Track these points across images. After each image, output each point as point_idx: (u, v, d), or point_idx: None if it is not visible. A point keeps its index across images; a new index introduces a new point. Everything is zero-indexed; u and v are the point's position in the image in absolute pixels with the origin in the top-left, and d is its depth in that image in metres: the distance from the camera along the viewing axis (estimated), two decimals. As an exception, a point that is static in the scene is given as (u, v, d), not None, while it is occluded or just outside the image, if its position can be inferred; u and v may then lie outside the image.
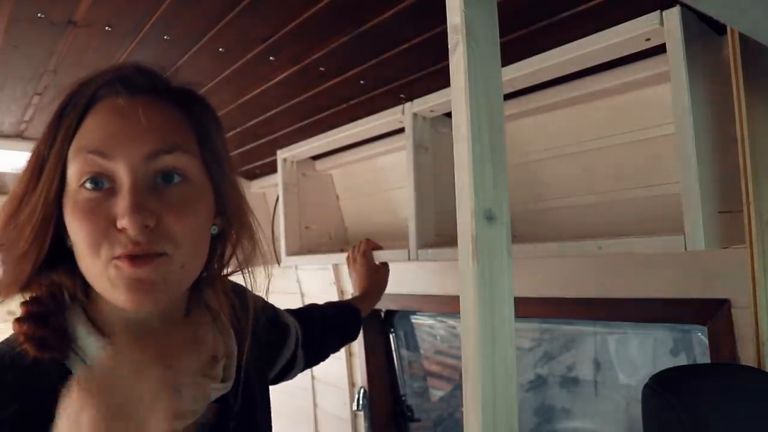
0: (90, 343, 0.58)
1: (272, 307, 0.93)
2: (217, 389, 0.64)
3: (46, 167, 0.57)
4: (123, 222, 0.54)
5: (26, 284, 0.59)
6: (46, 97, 1.20)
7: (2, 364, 0.56)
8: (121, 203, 0.55)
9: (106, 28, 0.89)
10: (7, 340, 0.59)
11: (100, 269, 0.55)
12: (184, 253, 0.58)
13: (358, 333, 1.26)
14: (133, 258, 0.55)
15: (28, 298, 0.59)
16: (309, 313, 1.09)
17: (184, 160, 0.59)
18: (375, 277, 1.41)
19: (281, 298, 1.41)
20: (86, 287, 0.60)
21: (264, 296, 0.79)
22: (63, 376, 0.55)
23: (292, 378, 0.99)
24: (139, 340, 0.60)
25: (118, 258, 0.55)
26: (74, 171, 0.56)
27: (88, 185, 0.56)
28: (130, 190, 0.55)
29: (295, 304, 1.15)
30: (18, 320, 0.57)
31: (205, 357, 0.64)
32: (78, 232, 0.55)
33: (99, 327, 0.59)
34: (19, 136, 1.51)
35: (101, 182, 0.56)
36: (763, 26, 0.65)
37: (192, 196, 0.60)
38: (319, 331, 1.07)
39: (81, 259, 0.57)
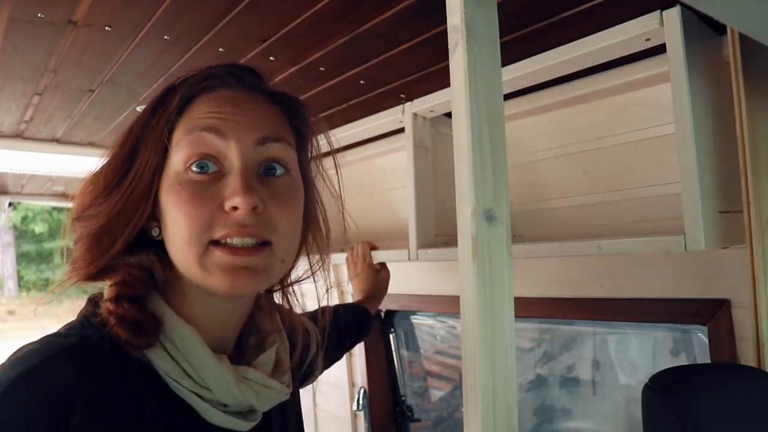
0: (179, 331, 0.56)
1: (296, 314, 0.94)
2: (285, 394, 0.64)
3: (144, 147, 0.58)
4: (234, 201, 0.55)
5: (104, 267, 0.58)
6: (46, 97, 1.20)
7: (90, 344, 0.53)
8: (232, 184, 0.56)
9: (106, 28, 0.88)
10: (78, 325, 0.57)
11: (197, 254, 0.55)
12: (284, 246, 0.59)
13: (369, 332, 1.27)
14: (235, 249, 0.55)
15: (117, 280, 0.57)
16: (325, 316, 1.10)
17: (288, 152, 0.61)
18: (377, 279, 1.41)
19: (281, 298, 1.41)
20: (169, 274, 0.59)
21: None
22: (142, 369, 0.55)
23: (311, 383, 0.99)
24: (222, 338, 0.63)
25: (217, 244, 0.55)
26: (182, 152, 0.57)
27: (194, 168, 0.57)
28: (240, 172, 0.56)
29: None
30: (110, 301, 0.55)
31: (272, 362, 0.65)
32: (180, 214, 0.55)
33: (181, 317, 0.58)
34: (19, 136, 1.51)
35: (207, 166, 0.57)
36: (763, 26, 0.65)
37: (293, 189, 0.62)
38: (336, 333, 1.07)
39: (174, 242, 0.57)
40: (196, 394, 0.55)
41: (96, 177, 0.60)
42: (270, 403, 0.62)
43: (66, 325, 0.58)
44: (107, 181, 0.59)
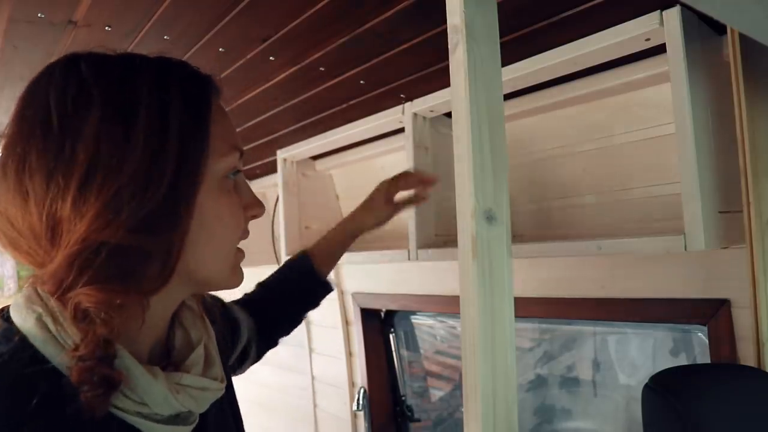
0: (118, 353, 0.52)
1: (222, 301, 0.91)
2: (221, 390, 0.62)
3: (190, 147, 0.53)
4: (259, 211, 0.63)
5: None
6: (46, 97, 1.19)
7: (11, 365, 0.48)
8: (251, 196, 0.62)
9: (106, 28, 0.88)
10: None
11: (231, 254, 0.60)
12: None
13: (322, 294, 1.09)
14: None
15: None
16: (257, 300, 1.03)
17: None
18: (379, 213, 1.12)
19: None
20: None
21: None
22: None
23: (243, 372, 0.96)
24: (157, 340, 0.61)
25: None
26: (227, 162, 0.58)
27: (231, 176, 0.59)
28: (247, 184, 0.63)
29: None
30: (93, 359, 0.48)
31: (202, 359, 0.62)
32: (229, 219, 0.58)
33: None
34: (19, 136, 1.50)
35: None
36: (763, 26, 0.65)
37: None
38: (271, 317, 1.01)
39: (213, 247, 0.58)
40: (138, 413, 0.52)
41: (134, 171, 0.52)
42: (207, 404, 0.60)
43: None
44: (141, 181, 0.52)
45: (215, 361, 0.64)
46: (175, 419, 0.56)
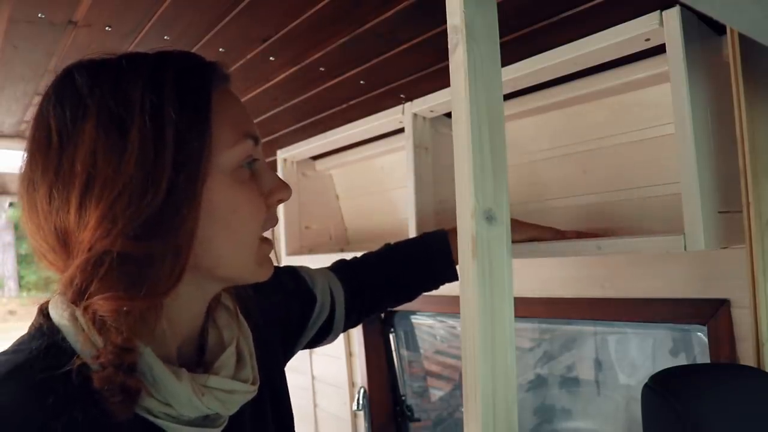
0: (140, 350, 0.53)
1: (298, 276, 0.88)
2: (252, 392, 0.61)
3: (189, 143, 0.52)
4: (284, 194, 0.61)
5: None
6: (46, 97, 1.20)
7: (40, 360, 0.49)
8: (273, 179, 0.61)
9: (106, 28, 0.89)
10: (27, 339, 0.53)
11: (254, 248, 0.59)
12: None
13: (444, 277, 1.02)
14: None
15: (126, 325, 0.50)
16: (360, 267, 0.99)
17: None
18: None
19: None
20: None
21: None
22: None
23: (332, 341, 0.94)
24: (188, 338, 0.61)
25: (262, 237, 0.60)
26: (238, 152, 0.57)
27: (246, 166, 0.58)
28: (269, 168, 0.61)
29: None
30: (113, 366, 0.49)
31: (233, 361, 0.61)
32: (246, 210, 0.57)
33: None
34: (19, 136, 1.51)
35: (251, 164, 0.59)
36: (763, 26, 0.65)
37: None
38: (369, 287, 0.97)
39: (231, 241, 0.57)
40: (164, 414, 0.52)
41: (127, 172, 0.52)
42: (236, 407, 0.59)
43: (16, 341, 0.54)
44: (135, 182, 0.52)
45: (247, 363, 0.63)
46: (204, 420, 0.56)
